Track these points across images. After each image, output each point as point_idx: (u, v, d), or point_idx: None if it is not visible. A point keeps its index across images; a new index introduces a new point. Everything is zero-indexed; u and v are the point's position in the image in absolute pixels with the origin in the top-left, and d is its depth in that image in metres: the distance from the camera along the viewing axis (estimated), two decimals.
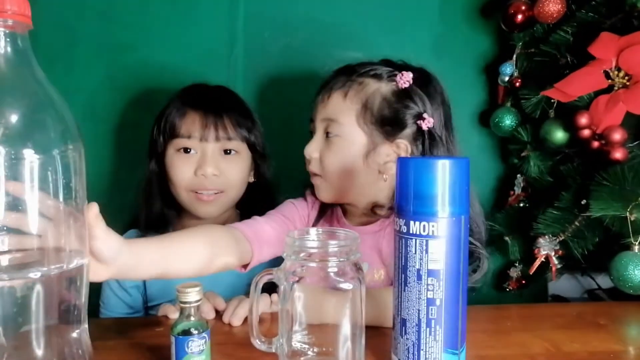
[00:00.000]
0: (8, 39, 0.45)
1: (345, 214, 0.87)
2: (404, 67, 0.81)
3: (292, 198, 0.92)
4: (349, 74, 0.80)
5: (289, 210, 0.87)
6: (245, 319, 0.70)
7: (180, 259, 0.63)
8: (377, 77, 0.78)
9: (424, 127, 0.77)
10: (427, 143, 0.77)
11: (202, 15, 1.16)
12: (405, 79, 0.77)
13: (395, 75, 0.78)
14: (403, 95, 0.77)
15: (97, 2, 1.14)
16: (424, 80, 0.79)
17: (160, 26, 1.16)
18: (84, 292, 0.47)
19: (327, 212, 0.88)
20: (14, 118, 0.44)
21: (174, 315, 0.71)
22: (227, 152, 0.91)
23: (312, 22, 1.19)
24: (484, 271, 0.77)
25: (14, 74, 0.45)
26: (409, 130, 0.77)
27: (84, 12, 1.14)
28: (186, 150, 0.89)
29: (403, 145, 0.77)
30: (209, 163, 0.88)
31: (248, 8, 1.17)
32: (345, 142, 0.77)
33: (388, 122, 0.76)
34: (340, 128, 0.77)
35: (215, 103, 0.91)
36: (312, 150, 0.81)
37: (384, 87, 0.78)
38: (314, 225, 0.87)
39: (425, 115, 0.77)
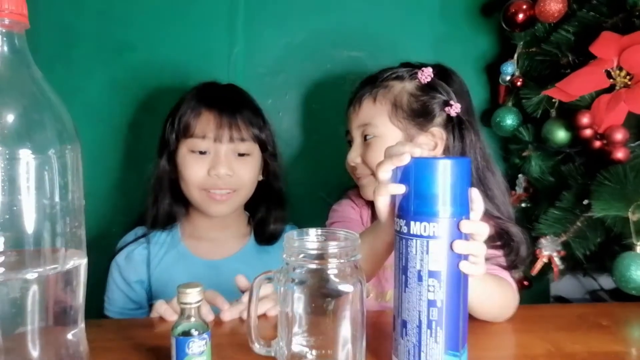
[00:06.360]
0: (5, 39, 0.44)
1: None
2: (422, 65, 0.86)
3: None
4: (373, 81, 0.86)
5: (347, 213, 0.92)
6: (244, 321, 0.69)
7: None
8: (400, 78, 0.85)
9: (452, 113, 0.82)
10: (458, 128, 0.82)
11: (202, 15, 1.16)
12: (427, 74, 0.83)
13: (416, 72, 0.84)
14: (427, 88, 0.84)
15: (97, 2, 1.14)
16: (443, 74, 0.86)
17: (161, 26, 1.15)
18: (81, 293, 0.47)
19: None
20: (10, 118, 0.43)
21: (171, 317, 0.71)
22: (240, 154, 0.91)
23: (313, 22, 1.19)
24: (522, 252, 0.79)
25: (11, 74, 0.45)
26: (439, 118, 0.83)
27: (83, 12, 1.14)
28: (200, 151, 0.89)
29: (437, 132, 0.82)
30: (222, 164, 0.88)
31: (248, 8, 1.17)
32: (383, 140, 0.81)
33: (418, 114, 0.82)
34: (376, 129, 0.83)
35: (229, 103, 0.92)
36: (354, 156, 0.85)
37: (408, 85, 0.84)
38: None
39: (451, 102, 0.83)
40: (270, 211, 0.99)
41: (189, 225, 0.98)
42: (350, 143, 0.88)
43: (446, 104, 0.83)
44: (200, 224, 0.96)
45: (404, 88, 0.84)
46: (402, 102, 0.83)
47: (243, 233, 0.99)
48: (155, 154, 0.95)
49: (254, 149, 0.93)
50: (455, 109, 0.83)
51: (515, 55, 1.11)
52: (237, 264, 0.93)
